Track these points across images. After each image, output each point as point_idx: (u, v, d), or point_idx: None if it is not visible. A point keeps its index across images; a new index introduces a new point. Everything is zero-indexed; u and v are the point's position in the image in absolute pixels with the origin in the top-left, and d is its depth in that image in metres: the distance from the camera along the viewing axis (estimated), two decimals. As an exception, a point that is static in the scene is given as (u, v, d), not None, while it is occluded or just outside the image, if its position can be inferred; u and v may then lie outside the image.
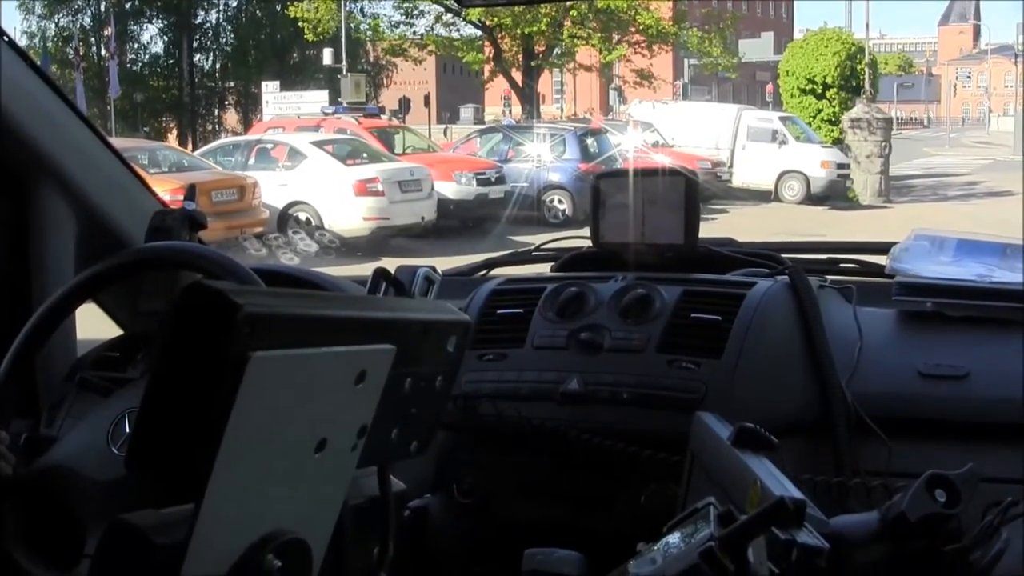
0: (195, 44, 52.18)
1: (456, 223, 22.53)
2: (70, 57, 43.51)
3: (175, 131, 50.33)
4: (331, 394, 1.15)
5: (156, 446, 1.04)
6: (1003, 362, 2.52)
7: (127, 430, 2.02)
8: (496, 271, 3.32)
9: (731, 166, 30.81)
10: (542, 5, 42.73)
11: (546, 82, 61.78)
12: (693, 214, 2.71)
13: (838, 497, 2.11)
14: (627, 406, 2.43)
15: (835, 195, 29.58)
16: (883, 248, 2.97)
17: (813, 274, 2.83)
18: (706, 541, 1.31)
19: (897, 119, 53.29)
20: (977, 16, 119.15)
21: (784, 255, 2.92)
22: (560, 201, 24.66)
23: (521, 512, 2.51)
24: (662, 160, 26.13)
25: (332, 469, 1.20)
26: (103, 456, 2.00)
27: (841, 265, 3.09)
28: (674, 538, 1.41)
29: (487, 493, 2.53)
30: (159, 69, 52.72)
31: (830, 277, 2.91)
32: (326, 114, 29.40)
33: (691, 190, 2.72)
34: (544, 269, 3.16)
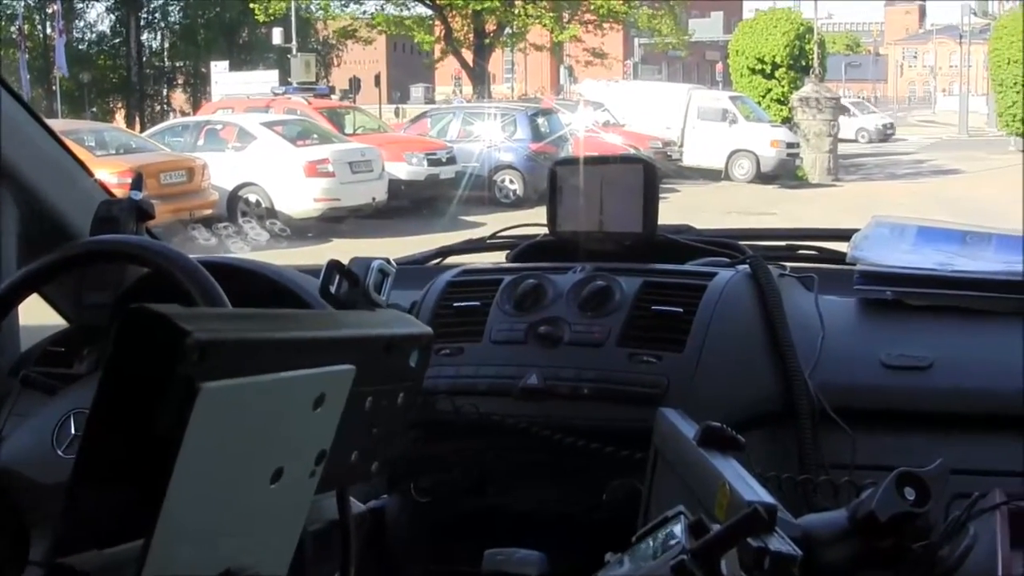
0: (143, 23, 51.74)
1: (407, 204, 22.51)
2: (14, 37, 43.03)
3: (123, 112, 49.94)
4: (287, 421, 1.09)
5: (99, 482, 0.99)
6: (965, 352, 2.51)
7: (73, 431, 1.97)
8: (451, 259, 3.28)
9: (681, 145, 30.88)
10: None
11: (497, 61, 61.70)
12: (652, 202, 2.68)
13: (805, 494, 2.08)
14: (588, 401, 2.38)
15: (785, 174, 29.70)
16: (843, 235, 2.95)
17: (772, 261, 2.81)
18: (678, 554, 1.27)
19: (845, 98, 53.59)
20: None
21: (743, 242, 2.89)
22: (511, 181, 24.64)
23: (481, 510, 2.47)
24: (613, 140, 26.28)
25: (289, 499, 1.15)
26: (48, 458, 1.94)
27: (800, 252, 3.06)
28: (644, 549, 1.37)
29: (446, 491, 2.48)
30: (106, 48, 52.28)
31: (790, 264, 2.88)
32: (276, 94, 29.20)
33: (650, 177, 2.68)
34: (500, 257, 3.11)
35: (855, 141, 46.42)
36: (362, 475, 1.33)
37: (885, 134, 48.43)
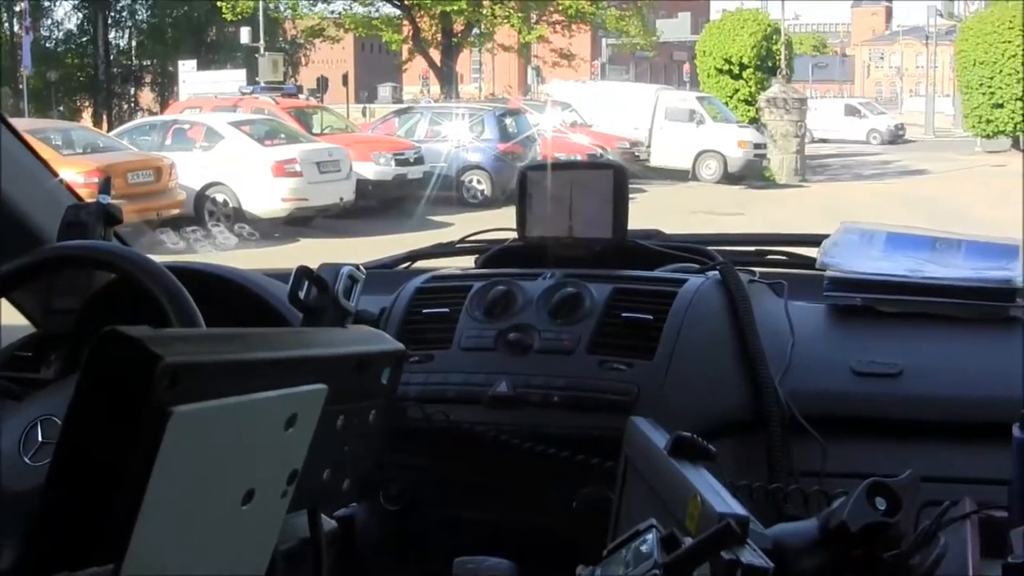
0: (110, 21, 51.42)
1: (375, 204, 22.50)
2: (-22, 36, 42.76)
3: (90, 111, 49.63)
4: (259, 442, 1.08)
5: (69, 510, 0.97)
6: (935, 359, 2.52)
7: (40, 438, 1.94)
8: (420, 263, 3.26)
9: (649, 146, 30.90)
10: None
11: (465, 61, 61.65)
12: (622, 208, 2.67)
13: (776, 503, 2.08)
14: (558, 409, 2.37)
15: (752, 174, 29.76)
16: (813, 240, 2.95)
17: (742, 266, 2.81)
18: (650, 569, 1.26)
19: (812, 99, 53.68)
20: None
21: (713, 247, 2.88)
22: (479, 181, 24.63)
23: (451, 518, 2.46)
24: (580, 140, 26.31)
25: (261, 519, 1.14)
26: (15, 465, 1.92)
27: (770, 257, 3.06)
28: (615, 562, 1.36)
29: (415, 499, 2.47)
30: (73, 47, 51.89)
31: (759, 270, 2.88)
32: (244, 94, 29.11)
33: (620, 183, 2.67)
34: (469, 261, 3.10)
35: (867, 143, 46.54)
36: (334, 493, 1.32)
37: (896, 135, 48.03)
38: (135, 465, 0.95)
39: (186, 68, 38.36)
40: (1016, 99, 35.74)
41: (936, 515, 1.75)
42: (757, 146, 30.18)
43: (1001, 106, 36.05)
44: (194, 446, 0.99)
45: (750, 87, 34.07)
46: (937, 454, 2.32)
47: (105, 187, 2.55)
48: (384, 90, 57.84)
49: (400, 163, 23.50)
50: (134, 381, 0.94)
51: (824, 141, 45.05)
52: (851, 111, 51.29)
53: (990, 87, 36.13)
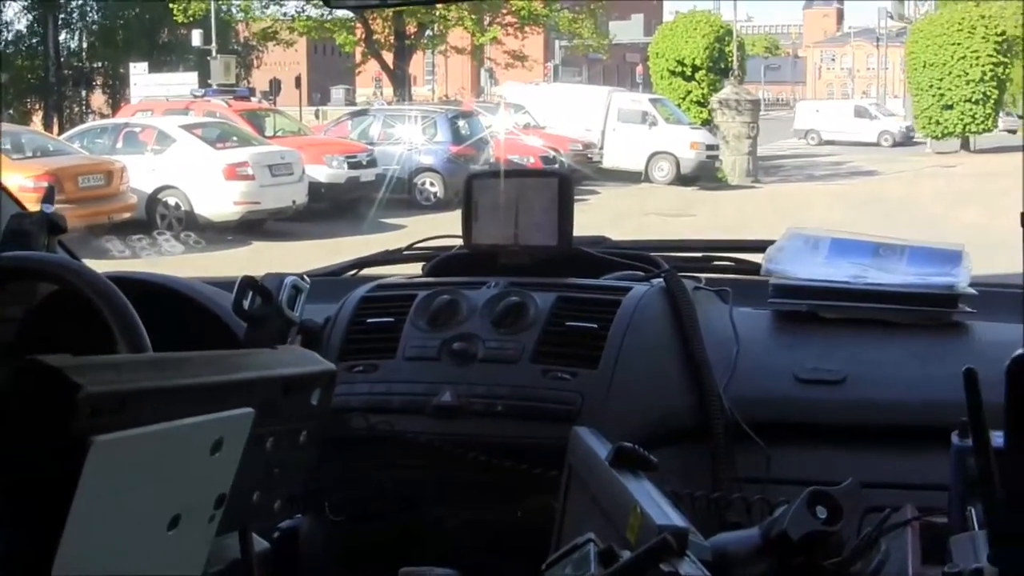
0: (61, 22, 51.06)
1: (327, 206, 22.45)
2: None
3: (40, 114, 49.31)
4: (184, 468, 1.07)
5: None
6: (878, 365, 2.53)
7: None
8: (366, 271, 3.25)
9: (602, 147, 30.98)
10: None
11: (418, 64, 61.53)
12: (567, 215, 2.66)
13: (718, 511, 2.08)
14: (502, 419, 2.37)
15: (704, 175, 29.87)
16: (758, 246, 2.96)
17: (688, 271, 2.81)
18: (587, 583, 1.26)
19: (764, 100, 53.82)
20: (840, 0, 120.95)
21: (659, 253, 2.88)
22: (432, 184, 24.65)
23: (395, 528, 2.44)
24: (533, 142, 26.33)
25: (188, 544, 1.13)
26: None
27: (716, 263, 3.07)
28: (554, 576, 1.36)
29: (360, 510, 2.45)
30: (23, 48, 51.50)
31: (705, 276, 2.88)
32: (195, 96, 28.97)
33: (565, 191, 2.67)
34: (416, 269, 3.10)
35: (878, 144, 46.07)
36: (264, 514, 1.31)
37: (907, 136, 47.23)
38: (56, 495, 0.94)
39: (137, 71, 38.09)
40: (965, 101, 36.11)
41: (877, 522, 1.76)
42: (709, 147, 30.30)
43: (951, 108, 36.41)
44: (116, 474, 0.98)
45: (702, 89, 34.25)
46: (879, 460, 2.33)
47: (49, 196, 2.54)
48: (337, 92, 57.67)
49: (353, 166, 23.48)
50: (54, 411, 0.93)
51: (831, 143, 45.00)
52: (861, 113, 50.63)
53: (940, 89, 36.48)
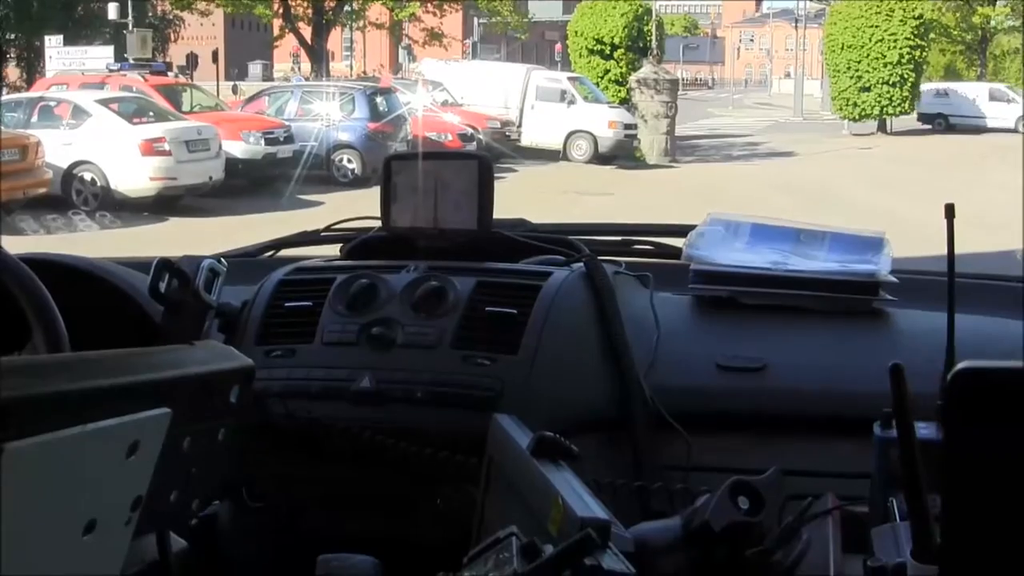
0: (-28, -5, 50.47)
1: (245, 183, 22.40)
2: None
3: (-48, 87, 48.72)
4: (99, 472, 1.04)
5: None
6: (798, 353, 2.54)
7: None
8: (284, 252, 3.22)
9: (520, 126, 31.04)
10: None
11: (336, 39, 61.31)
12: (487, 199, 2.64)
13: (640, 500, 2.08)
14: (421, 405, 2.34)
15: (622, 154, 29.99)
16: (679, 230, 2.95)
17: (608, 255, 2.80)
18: (509, 579, 1.25)
19: (683, 80, 53.77)
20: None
21: (579, 237, 2.87)
22: (349, 160, 24.63)
23: (315, 515, 2.41)
24: (451, 119, 26.34)
25: (104, 549, 1.10)
26: None
27: (636, 248, 3.06)
28: (475, 572, 1.34)
29: (279, 496, 2.42)
30: (-66, 21, 50.94)
31: (625, 260, 2.87)
32: (111, 71, 28.68)
33: (485, 174, 2.65)
34: (334, 250, 3.07)
35: (1015, 131, 42.57)
36: (183, 515, 1.28)
37: None
38: None
39: (53, 44, 37.66)
40: (883, 83, 36.53)
41: (799, 511, 1.75)
42: (627, 127, 30.42)
43: (868, 90, 36.82)
44: (27, 483, 0.94)
45: (621, 68, 34.35)
46: (801, 448, 2.33)
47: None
48: (254, 68, 57.39)
49: (270, 142, 23.42)
50: None
51: (954, 129, 43.49)
52: (998, 96, 47.19)
53: (857, 71, 36.90)
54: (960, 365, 1.08)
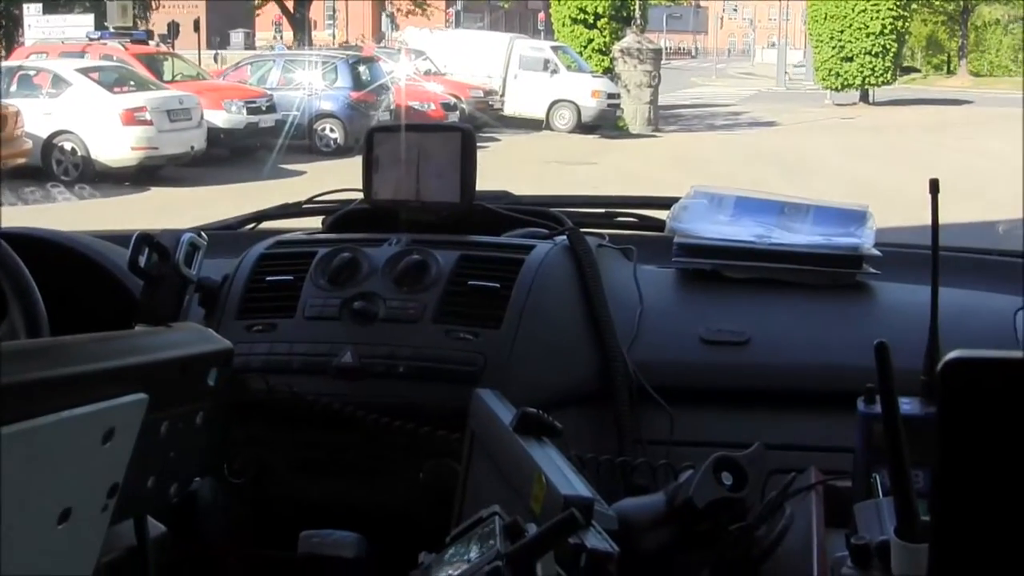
0: (-50, -37, 50.13)
1: (227, 152, 22.34)
2: None
3: (-70, 55, 48.44)
4: (74, 460, 1.03)
5: None
6: (783, 327, 2.53)
7: None
8: (265, 224, 3.20)
9: (503, 95, 30.98)
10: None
11: (318, 8, 61.09)
12: (469, 171, 2.63)
13: (623, 476, 2.07)
14: (403, 380, 2.33)
15: (605, 124, 29.96)
16: (663, 203, 2.94)
17: (591, 228, 2.79)
18: (493, 559, 1.24)
19: (666, 49, 53.69)
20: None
21: (562, 209, 2.86)
22: (332, 130, 24.54)
23: (297, 491, 2.40)
24: (434, 89, 26.28)
25: (80, 537, 1.08)
26: None
27: (619, 220, 3.05)
28: (459, 550, 1.33)
29: (260, 472, 2.41)
30: (-89, -11, 50.61)
31: (608, 232, 2.86)
32: (91, 39, 28.50)
33: (468, 146, 2.64)
34: (316, 222, 3.05)
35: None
36: (160, 500, 1.27)
37: None
38: None
39: (31, 12, 37.40)
40: (865, 53, 36.56)
41: (782, 486, 1.75)
42: (611, 96, 30.39)
43: (850, 60, 36.86)
44: (2, 471, 0.93)
45: (604, 37, 34.23)
46: (784, 422, 2.33)
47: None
48: (236, 36, 57.03)
49: (252, 111, 23.32)
50: None
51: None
52: None
53: (840, 41, 36.93)
54: (951, 355, 1.07)
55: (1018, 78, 44.12)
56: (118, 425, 1.06)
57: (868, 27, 36.49)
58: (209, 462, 2.29)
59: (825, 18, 37.31)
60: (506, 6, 54.04)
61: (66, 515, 1.04)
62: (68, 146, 20.03)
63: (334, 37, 67.33)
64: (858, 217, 2.71)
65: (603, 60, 33.38)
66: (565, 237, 2.59)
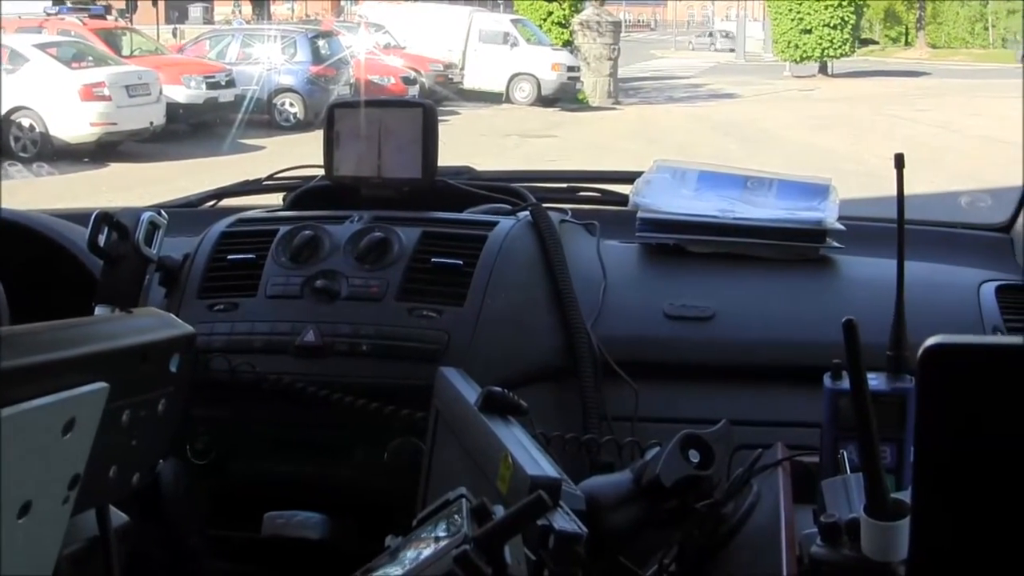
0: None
1: (186, 127, 22.19)
2: None
3: None
4: (32, 453, 1.00)
5: None
6: (747, 301, 2.53)
7: None
8: (226, 201, 3.18)
9: (463, 68, 30.88)
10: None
11: (276, -19, 60.74)
12: (431, 147, 2.62)
13: (589, 453, 2.06)
14: (366, 358, 2.31)
15: (565, 97, 29.91)
16: (626, 177, 2.93)
17: (554, 203, 2.78)
18: (460, 543, 1.22)
19: (625, 22, 53.59)
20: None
21: (525, 184, 2.85)
22: (291, 104, 24.41)
23: (260, 471, 2.38)
24: (394, 62, 26.18)
25: (40, 530, 1.06)
26: None
27: (582, 194, 3.04)
28: (426, 533, 1.32)
29: (223, 453, 2.39)
30: None
31: (571, 207, 2.85)
32: (49, 14, 28.24)
33: (429, 122, 2.62)
34: (276, 199, 3.03)
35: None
36: (123, 489, 1.25)
37: None
38: None
39: (-13, -13, 37.18)
40: (824, 25, 36.62)
41: (749, 462, 1.75)
42: (571, 69, 30.32)
43: (809, 32, 36.90)
44: None
45: (564, 10, 34.13)
46: (750, 397, 2.33)
47: None
48: (195, 11, 56.62)
49: (211, 86, 23.18)
50: None
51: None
52: None
53: (799, 13, 36.95)
54: (931, 341, 1.07)
55: (975, 50, 44.22)
56: (78, 415, 1.04)
57: (826, -1, 36.62)
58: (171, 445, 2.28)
59: (784, -10, 37.39)
60: (466, -22, 53.86)
61: (26, 509, 1.02)
62: (26, 123, 19.88)
63: (293, 11, 66.98)
64: (821, 191, 2.70)
65: (563, 33, 33.29)
66: (528, 213, 2.58)
